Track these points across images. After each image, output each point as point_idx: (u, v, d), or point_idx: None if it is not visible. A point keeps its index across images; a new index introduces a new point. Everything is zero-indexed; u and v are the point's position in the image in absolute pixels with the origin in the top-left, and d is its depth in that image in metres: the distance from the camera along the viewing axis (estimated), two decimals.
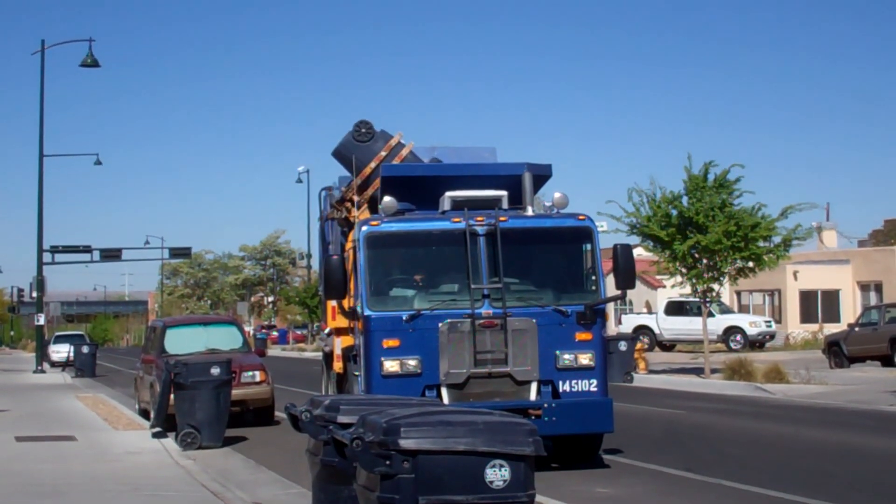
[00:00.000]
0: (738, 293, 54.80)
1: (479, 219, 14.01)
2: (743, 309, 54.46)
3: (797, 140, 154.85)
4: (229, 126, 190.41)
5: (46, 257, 49.27)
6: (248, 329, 74.80)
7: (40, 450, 16.36)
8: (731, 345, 46.03)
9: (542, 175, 15.52)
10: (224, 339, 22.69)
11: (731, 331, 46.85)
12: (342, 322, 15.71)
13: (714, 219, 28.60)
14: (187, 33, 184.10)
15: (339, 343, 16.36)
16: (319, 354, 24.20)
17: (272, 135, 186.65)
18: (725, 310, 48.41)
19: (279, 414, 20.43)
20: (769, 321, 49.30)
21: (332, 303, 15.73)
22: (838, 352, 34.94)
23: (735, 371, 29.27)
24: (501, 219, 14.03)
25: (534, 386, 13.73)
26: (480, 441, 5.75)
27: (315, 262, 60.98)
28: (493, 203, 14.47)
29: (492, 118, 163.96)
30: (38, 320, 46.50)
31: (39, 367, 43.91)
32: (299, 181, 75.35)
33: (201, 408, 16.87)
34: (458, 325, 13.59)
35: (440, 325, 13.58)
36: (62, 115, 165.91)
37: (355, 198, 15.86)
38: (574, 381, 13.82)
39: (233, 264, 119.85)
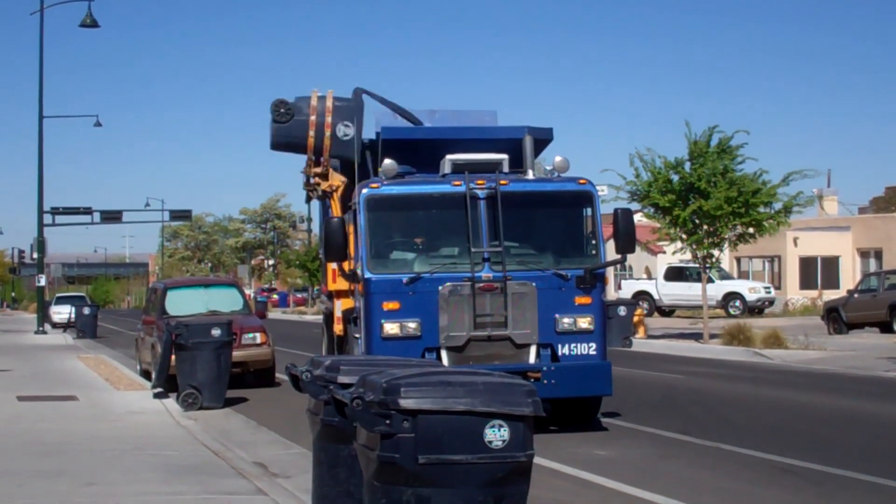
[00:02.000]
0: (738, 259, 54.84)
1: (479, 182, 13.95)
2: (742, 275, 54.50)
3: (799, 108, 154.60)
4: (230, 89, 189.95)
5: (47, 219, 49.32)
6: (249, 292, 74.85)
7: (42, 409, 16.44)
8: (731, 310, 46.11)
9: (543, 139, 15.47)
10: (225, 301, 22.75)
11: (731, 296, 46.92)
12: (342, 285, 15.74)
13: (716, 184, 28.57)
14: None
15: (340, 305, 16.40)
16: (320, 317, 24.27)
17: (272, 98, 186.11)
18: (725, 276, 48.46)
19: (280, 376, 20.54)
20: (768, 287, 49.36)
21: (333, 265, 15.75)
22: (837, 318, 35.03)
23: (734, 336, 29.38)
24: (502, 182, 13.98)
25: (533, 349, 13.75)
26: (479, 401, 5.78)
27: (315, 226, 60.91)
28: (493, 166, 14.41)
29: (493, 84, 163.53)
30: (38, 281, 46.58)
31: (41, 328, 44.03)
32: None
33: (202, 369, 16.93)
34: (458, 288, 13.59)
35: (440, 288, 13.58)
36: (62, 76, 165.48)
37: (317, 170, 15.84)
38: (573, 345, 13.84)
39: (233, 227, 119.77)
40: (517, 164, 14.67)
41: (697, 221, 29.29)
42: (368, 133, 16.35)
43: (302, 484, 9.85)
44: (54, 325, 51.06)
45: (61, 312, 52.85)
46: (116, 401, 17.65)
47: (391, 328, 13.67)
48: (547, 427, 13.93)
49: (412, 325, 13.65)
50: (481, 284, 13.58)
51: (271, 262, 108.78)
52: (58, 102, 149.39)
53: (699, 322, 36.03)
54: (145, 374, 22.07)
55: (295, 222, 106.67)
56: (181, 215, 70.73)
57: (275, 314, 67.50)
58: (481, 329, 13.61)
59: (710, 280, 36.44)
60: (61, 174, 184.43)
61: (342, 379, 6.83)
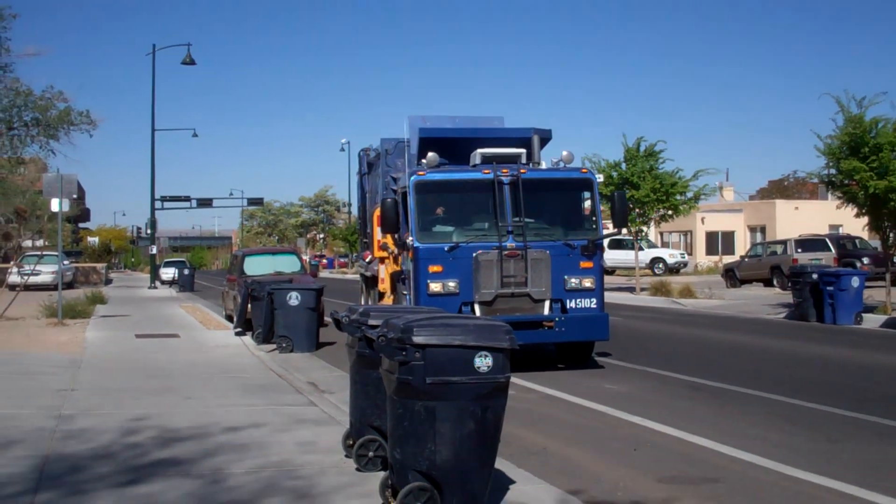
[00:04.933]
0: (661, 233, 54.76)
1: (504, 171, 13.27)
2: (664, 244, 54.42)
3: (705, 119, 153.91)
4: (293, 104, 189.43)
5: (157, 204, 49.18)
6: (305, 257, 74.67)
7: (153, 344, 16.46)
8: (655, 270, 46.00)
9: (545, 137, 14.77)
10: (287, 264, 22.71)
11: (656, 260, 46.80)
12: (385, 254, 15.27)
13: (644, 179, 28.72)
14: (265, 35, 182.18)
15: (384, 269, 15.73)
16: (357, 276, 24.18)
17: (325, 113, 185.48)
18: (651, 245, 48.34)
19: (326, 319, 20.52)
20: (683, 253, 49.25)
21: (378, 237, 15.28)
22: (733, 276, 35.00)
23: (658, 289, 29.39)
24: (522, 171, 13.33)
25: (547, 303, 13.11)
26: (471, 338, 5.77)
27: (354, 209, 60.60)
28: (514, 158, 13.76)
29: (497, 95, 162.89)
30: (151, 250, 46.58)
31: (152, 285, 44.03)
32: (342, 150, 74.93)
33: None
34: (488, 254, 12.98)
35: (474, 254, 12.95)
36: (169, 101, 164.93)
37: None
38: (579, 300, 13.20)
39: (294, 210, 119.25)
40: (526, 157, 14.00)
41: (631, 206, 29.29)
42: (404, 133, 15.83)
43: (342, 398, 9.85)
44: (162, 282, 51.01)
45: (168, 272, 52.81)
46: (208, 338, 17.66)
47: (435, 287, 12.95)
48: (555, 365, 13.60)
49: (452, 284, 12.94)
50: (506, 252, 12.97)
51: (322, 235, 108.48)
52: (166, 119, 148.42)
53: (633, 279, 36.01)
54: (229, 318, 22.07)
55: (339, 206, 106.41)
56: (255, 202, 70.63)
57: (324, 273, 67.43)
58: (507, 287, 12.96)
59: (640, 248, 36.38)
60: (168, 171, 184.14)
61: (371, 322, 6.81)
